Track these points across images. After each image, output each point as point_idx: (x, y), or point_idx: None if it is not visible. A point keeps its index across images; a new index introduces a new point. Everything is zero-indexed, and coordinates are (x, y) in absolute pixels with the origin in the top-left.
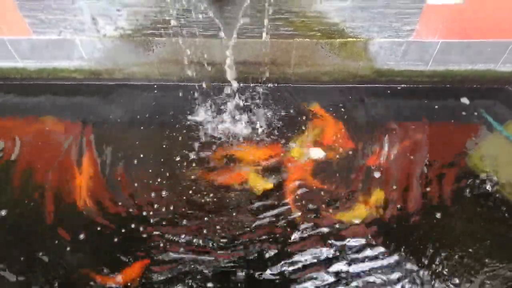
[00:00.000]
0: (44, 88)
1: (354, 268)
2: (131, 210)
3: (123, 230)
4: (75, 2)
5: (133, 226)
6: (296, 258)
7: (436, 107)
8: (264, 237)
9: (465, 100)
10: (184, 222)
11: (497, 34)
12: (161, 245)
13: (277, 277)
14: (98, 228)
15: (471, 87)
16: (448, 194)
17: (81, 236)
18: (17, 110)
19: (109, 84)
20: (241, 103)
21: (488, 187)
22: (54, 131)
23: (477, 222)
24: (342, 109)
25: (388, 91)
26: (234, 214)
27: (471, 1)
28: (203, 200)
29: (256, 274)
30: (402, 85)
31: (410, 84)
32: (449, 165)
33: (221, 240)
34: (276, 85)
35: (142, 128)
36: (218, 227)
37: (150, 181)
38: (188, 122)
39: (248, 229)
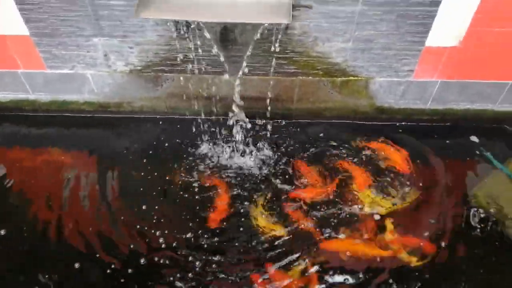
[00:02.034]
0: (54, 120)
1: None
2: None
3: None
4: (90, 40)
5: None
6: None
7: (436, 144)
8: None
9: (474, 139)
10: None
11: (494, 75)
12: None
13: None
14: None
15: (470, 125)
16: (450, 232)
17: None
18: (25, 141)
19: (117, 117)
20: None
21: (490, 225)
22: (61, 162)
23: (478, 259)
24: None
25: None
26: None
27: (468, 43)
28: None
29: None
30: (402, 123)
31: (410, 122)
32: (450, 202)
33: None
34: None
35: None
36: None
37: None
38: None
39: None
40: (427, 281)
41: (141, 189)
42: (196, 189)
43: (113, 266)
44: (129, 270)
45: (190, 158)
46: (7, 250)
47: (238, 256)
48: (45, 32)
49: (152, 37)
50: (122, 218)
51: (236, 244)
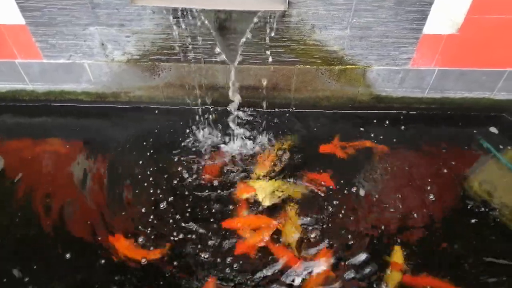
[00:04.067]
0: (51, 110)
1: None
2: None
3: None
4: (86, 29)
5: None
6: None
7: (434, 133)
8: None
9: (494, 130)
10: None
11: (491, 63)
12: None
13: None
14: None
15: (468, 114)
16: (446, 220)
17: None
18: (23, 131)
19: (115, 107)
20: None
21: (486, 212)
22: (59, 152)
23: (473, 245)
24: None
25: (387, 117)
26: None
27: (466, 31)
28: None
29: None
30: (400, 112)
31: (409, 110)
32: (448, 190)
33: None
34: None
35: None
36: None
37: None
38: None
39: None
40: (417, 262)
41: (139, 178)
42: (194, 178)
43: (106, 257)
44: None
45: (188, 147)
46: (4, 239)
47: None
48: (41, 21)
49: (149, 26)
50: (118, 207)
51: None
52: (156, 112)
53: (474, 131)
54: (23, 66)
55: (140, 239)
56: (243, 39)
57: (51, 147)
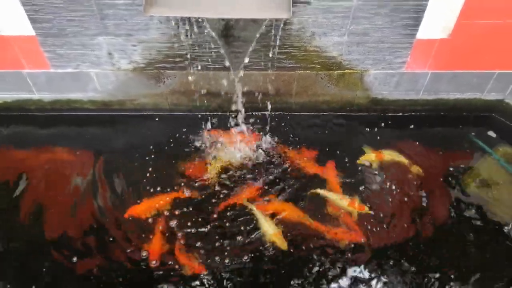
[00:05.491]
0: (58, 119)
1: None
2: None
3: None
4: (94, 39)
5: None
6: None
7: (428, 133)
8: None
9: (491, 134)
10: None
11: (481, 65)
12: None
13: None
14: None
15: (461, 114)
16: (442, 215)
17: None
18: (30, 140)
19: (120, 115)
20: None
21: (481, 207)
22: (66, 161)
23: (468, 241)
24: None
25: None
26: None
27: (457, 36)
28: None
29: None
30: (396, 114)
31: (404, 112)
32: (444, 186)
33: None
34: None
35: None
36: None
37: None
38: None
39: None
40: (413, 259)
41: (146, 186)
42: (199, 184)
43: (112, 263)
44: (130, 267)
45: (193, 154)
46: (11, 248)
47: None
48: (51, 32)
49: (155, 35)
50: (124, 215)
51: None
52: (161, 119)
53: (466, 130)
54: (30, 76)
55: None
56: (251, 47)
57: (57, 155)
